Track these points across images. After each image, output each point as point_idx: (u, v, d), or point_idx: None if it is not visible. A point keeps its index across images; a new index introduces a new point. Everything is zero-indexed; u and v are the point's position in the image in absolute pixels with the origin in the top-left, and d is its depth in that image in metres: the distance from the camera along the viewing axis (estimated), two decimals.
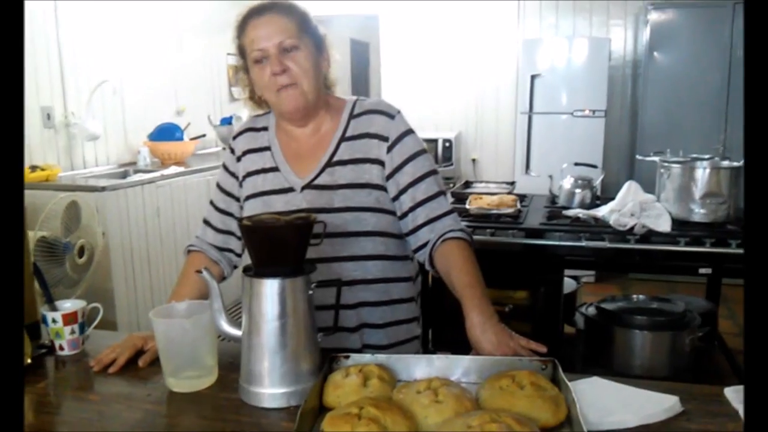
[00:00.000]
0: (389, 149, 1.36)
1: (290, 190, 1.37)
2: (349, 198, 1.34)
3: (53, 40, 3.39)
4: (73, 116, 3.51)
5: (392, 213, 1.38)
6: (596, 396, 1.03)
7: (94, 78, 3.63)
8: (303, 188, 1.36)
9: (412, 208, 1.36)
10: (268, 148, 1.43)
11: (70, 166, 3.54)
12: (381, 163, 1.36)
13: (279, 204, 1.36)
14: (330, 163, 1.36)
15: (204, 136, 4.42)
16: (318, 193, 1.35)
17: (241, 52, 1.37)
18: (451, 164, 5.05)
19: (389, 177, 1.36)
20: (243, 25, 1.34)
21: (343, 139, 1.38)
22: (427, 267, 1.37)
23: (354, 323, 1.37)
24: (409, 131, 1.40)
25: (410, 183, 1.36)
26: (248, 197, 1.42)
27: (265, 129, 1.46)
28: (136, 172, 3.70)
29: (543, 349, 1.16)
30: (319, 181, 1.36)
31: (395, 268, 1.40)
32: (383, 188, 1.36)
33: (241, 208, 1.46)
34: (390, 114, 1.39)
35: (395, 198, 1.37)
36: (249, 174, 1.43)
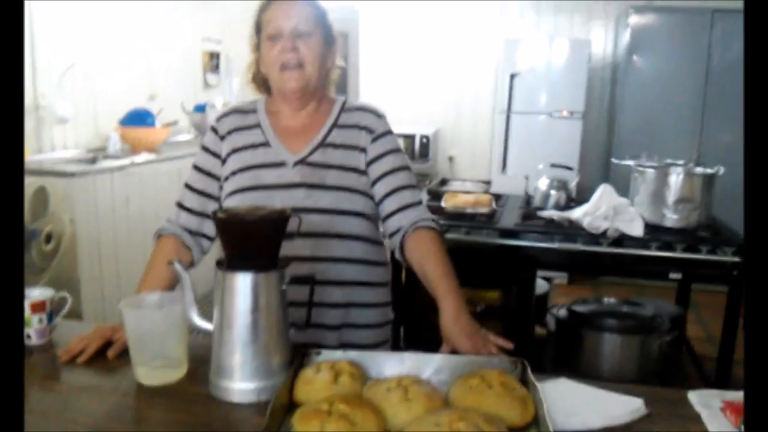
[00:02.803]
0: (374, 140, 1.45)
1: (282, 164, 1.40)
2: (342, 178, 1.40)
3: (26, 20, 3.31)
4: (43, 98, 3.44)
5: (373, 198, 1.45)
6: (563, 397, 1.04)
7: (65, 60, 3.54)
8: (296, 164, 1.40)
9: (387, 195, 1.43)
10: (257, 126, 1.46)
11: (38, 149, 3.46)
12: (364, 150, 1.44)
13: (271, 177, 1.39)
14: (323, 144, 1.42)
15: (176, 123, 4.35)
16: (311, 170, 1.39)
17: (258, 28, 1.44)
18: (428, 161, 5.06)
19: (369, 163, 1.43)
20: (267, 3, 1.42)
21: (335, 125, 1.45)
22: (397, 255, 1.43)
23: (341, 299, 1.40)
24: (392, 132, 1.50)
25: (387, 171, 1.44)
26: (235, 172, 1.42)
27: (253, 111, 1.50)
28: (106, 158, 3.61)
29: (509, 345, 1.21)
30: (312, 159, 1.41)
31: (374, 252, 1.46)
32: (367, 174, 1.43)
33: (222, 188, 1.45)
34: (378, 114, 1.50)
35: (372, 184, 1.44)
36: (236, 150, 1.44)
